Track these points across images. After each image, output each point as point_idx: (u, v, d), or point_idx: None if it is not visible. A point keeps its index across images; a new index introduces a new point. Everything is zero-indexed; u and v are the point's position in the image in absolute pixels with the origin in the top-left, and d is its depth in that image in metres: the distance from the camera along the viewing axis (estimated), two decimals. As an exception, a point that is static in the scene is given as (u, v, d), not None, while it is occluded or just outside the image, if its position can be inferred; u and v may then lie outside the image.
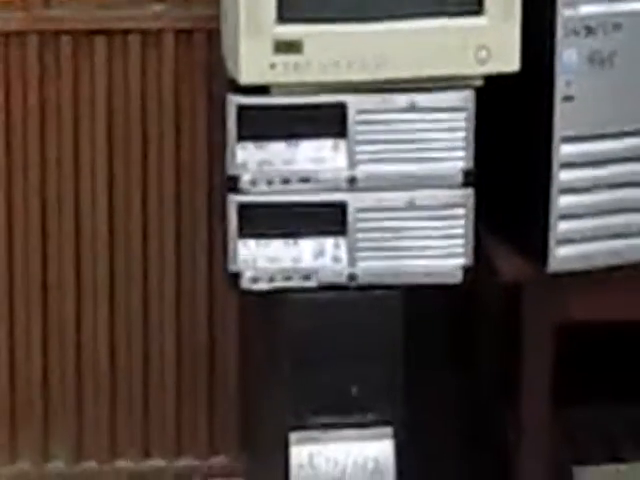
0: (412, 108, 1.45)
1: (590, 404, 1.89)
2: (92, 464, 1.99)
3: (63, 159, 1.79)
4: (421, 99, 1.44)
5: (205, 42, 1.78)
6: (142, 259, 1.87)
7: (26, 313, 1.96)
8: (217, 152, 1.60)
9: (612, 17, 1.47)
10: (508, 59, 1.47)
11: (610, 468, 1.84)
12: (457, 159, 1.50)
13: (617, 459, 1.83)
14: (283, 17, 1.44)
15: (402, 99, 1.43)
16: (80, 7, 1.84)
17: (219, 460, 2.00)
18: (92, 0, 1.83)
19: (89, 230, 1.86)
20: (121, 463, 2.02)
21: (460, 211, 1.53)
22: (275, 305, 1.47)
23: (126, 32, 1.85)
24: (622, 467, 1.85)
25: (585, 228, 1.55)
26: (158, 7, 1.84)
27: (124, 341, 1.92)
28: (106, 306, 1.93)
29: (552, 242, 1.53)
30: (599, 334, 1.76)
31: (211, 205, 1.75)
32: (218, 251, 1.70)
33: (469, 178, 1.53)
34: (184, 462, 2.04)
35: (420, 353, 1.71)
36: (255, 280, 1.43)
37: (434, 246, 1.51)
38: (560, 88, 1.48)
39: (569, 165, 1.52)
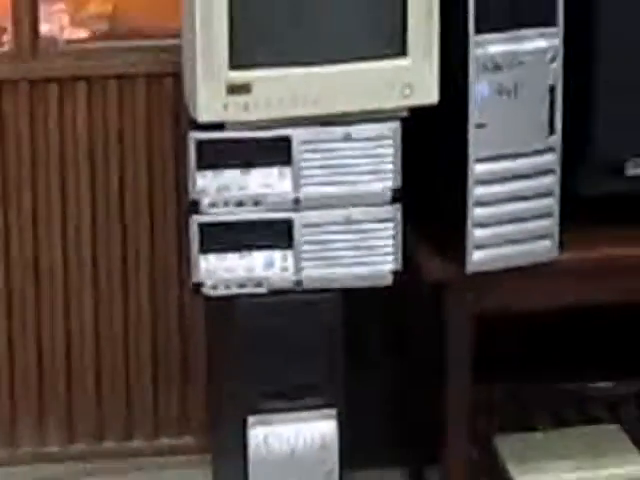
0: (347, 138, 1.32)
1: (505, 381, 1.78)
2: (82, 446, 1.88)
3: (52, 185, 1.69)
4: (355, 130, 1.33)
5: (172, 85, 1.66)
6: (122, 270, 1.75)
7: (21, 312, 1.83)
8: (182, 180, 1.47)
9: (515, 55, 1.40)
10: (428, 93, 1.35)
11: (524, 435, 1.76)
12: (386, 180, 1.40)
13: (530, 428, 1.74)
14: (234, 64, 1.33)
15: (338, 131, 1.32)
16: (64, 57, 1.71)
17: (190, 439, 1.88)
18: (74, 51, 1.70)
19: (73, 243, 1.75)
20: (108, 444, 1.89)
21: (390, 224, 1.42)
22: (232, 308, 1.35)
23: (105, 78, 1.71)
24: (535, 434, 1.77)
25: (495, 235, 1.41)
26: (132, 56, 1.70)
27: (109, 339, 1.81)
28: (91, 312, 1.81)
29: (469, 247, 1.41)
30: (509, 322, 1.64)
31: (179, 224, 1.62)
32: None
33: (397, 195, 1.45)
34: (161, 442, 1.90)
35: (358, 345, 1.60)
36: (215, 287, 1.31)
37: (368, 255, 1.41)
38: (473, 116, 1.36)
39: (482, 182, 1.41)
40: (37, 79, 1.69)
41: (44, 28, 1.71)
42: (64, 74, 1.68)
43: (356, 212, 1.38)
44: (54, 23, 1.79)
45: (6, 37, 1.72)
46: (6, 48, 1.71)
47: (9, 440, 1.83)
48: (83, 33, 1.80)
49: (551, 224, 1.46)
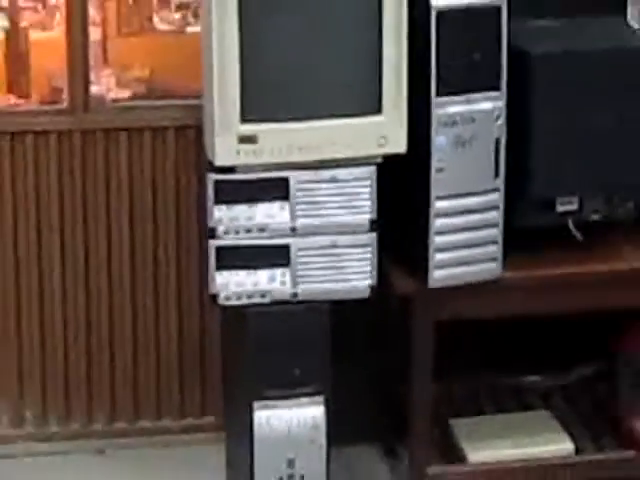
0: (334, 179, 1.42)
1: (461, 376, 1.84)
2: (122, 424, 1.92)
3: (99, 220, 1.75)
4: (340, 173, 1.43)
5: (195, 136, 1.73)
6: (154, 286, 1.82)
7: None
8: (202, 211, 1.55)
9: (468, 114, 1.43)
10: (399, 143, 1.43)
11: (475, 419, 1.83)
12: (365, 213, 1.47)
13: (480, 413, 1.83)
14: (244, 119, 1.38)
15: (326, 173, 1.41)
16: (109, 113, 1.80)
17: (210, 420, 1.92)
18: (118, 108, 1.79)
19: (118, 263, 1.81)
20: (143, 423, 1.94)
21: (368, 249, 1.49)
22: (242, 315, 1.44)
23: (142, 129, 1.79)
24: (483, 418, 1.84)
25: (452, 258, 1.50)
26: (164, 112, 1.79)
27: (144, 340, 1.87)
28: (131, 321, 1.86)
29: (431, 267, 1.50)
30: (465, 328, 1.69)
31: (201, 247, 1.67)
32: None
33: (374, 226, 1.52)
34: (186, 422, 1.96)
35: (343, 345, 1.61)
36: (228, 298, 1.41)
37: (350, 273, 1.49)
38: (434, 163, 1.45)
39: (441, 215, 1.50)
40: (88, 130, 1.76)
41: (94, 89, 1.78)
42: (110, 126, 1.77)
43: (340, 239, 1.46)
44: (102, 85, 1.86)
45: (63, 95, 1.80)
46: (63, 105, 1.78)
47: (63, 416, 1.89)
48: (126, 93, 1.88)
49: (496, 250, 1.53)
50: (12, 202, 1.81)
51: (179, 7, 1.94)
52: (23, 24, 1.91)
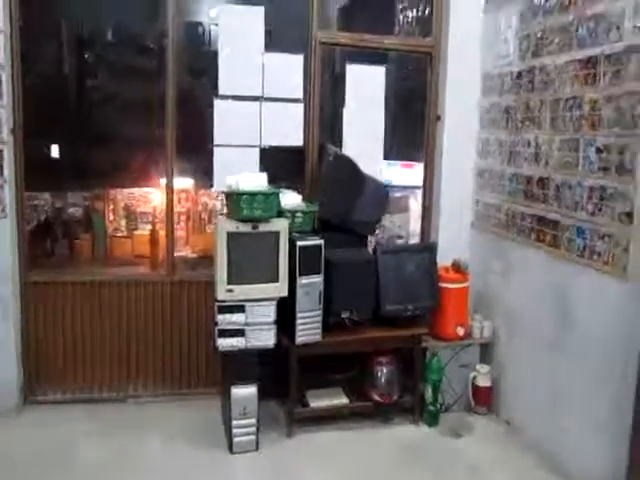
0: (263, 305, 3.28)
1: (310, 374, 3.48)
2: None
3: None
4: (265, 303, 3.05)
5: (211, 287, 3.47)
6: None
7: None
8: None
9: (309, 283, 3.48)
10: (284, 293, 3.12)
11: (313, 391, 3.54)
12: (271, 317, 3.13)
13: (316, 387, 3.54)
14: (228, 282, 3.01)
15: (261, 303, 3.12)
16: (186, 269, 3.63)
17: (214, 390, 3.70)
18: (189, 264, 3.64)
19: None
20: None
21: (273, 329, 3.10)
22: (223, 354, 3.38)
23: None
24: (317, 390, 3.55)
25: (304, 331, 3.26)
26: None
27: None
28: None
29: (297, 336, 3.11)
30: (311, 358, 3.32)
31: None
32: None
33: (275, 321, 3.12)
34: (201, 390, 3.79)
35: (265, 364, 3.18)
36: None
37: (266, 339, 3.06)
38: (298, 299, 3.18)
39: (299, 317, 3.16)
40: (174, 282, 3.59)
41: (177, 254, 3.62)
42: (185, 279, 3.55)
43: (264, 327, 3.06)
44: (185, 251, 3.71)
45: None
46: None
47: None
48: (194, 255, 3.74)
49: (319, 330, 3.21)
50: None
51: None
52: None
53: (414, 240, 4.29)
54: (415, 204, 4.42)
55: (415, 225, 4.30)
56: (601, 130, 2.82)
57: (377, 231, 3.96)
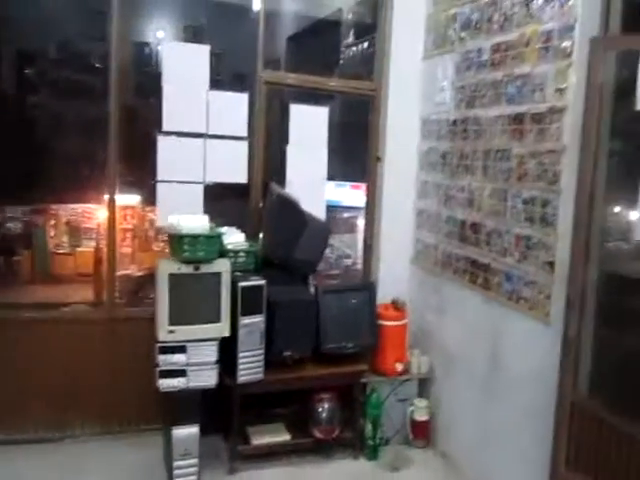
0: (206, 345, 3.34)
1: (253, 409, 3.58)
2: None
3: None
4: (207, 343, 3.23)
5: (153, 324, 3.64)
6: None
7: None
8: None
9: (252, 323, 3.55)
10: (226, 332, 3.24)
11: (255, 427, 3.60)
12: (213, 356, 3.47)
13: (259, 424, 3.64)
14: (170, 323, 3.16)
15: (204, 343, 3.32)
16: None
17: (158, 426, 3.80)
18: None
19: None
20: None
21: (215, 368, 3.23)
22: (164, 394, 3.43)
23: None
24: (260, 426, 3.61)
25: (245, 370, 3.48)
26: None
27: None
28: None
29: (238, 375, 3.27)
30: (254, 396, 3.39)
31: None
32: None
33: (217, 361, 3.21)
34: (143, 427, 3.78)
35: (206, 404, 3.21)
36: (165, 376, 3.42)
37: (209, 377, 3.16)
38: (239, 339, 3.26)
39: (241, 357, 3.29)
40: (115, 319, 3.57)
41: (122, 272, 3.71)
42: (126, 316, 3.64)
43: (206, 367, 3.25)
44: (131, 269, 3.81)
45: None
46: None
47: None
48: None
49: (261, 368, 3.25)
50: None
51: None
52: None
53: (361, 260, 4.36)
54: (363, 225, 4.49)
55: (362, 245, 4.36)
56: (526, 183, 2.99)
57: (317, 268, 4.01)
